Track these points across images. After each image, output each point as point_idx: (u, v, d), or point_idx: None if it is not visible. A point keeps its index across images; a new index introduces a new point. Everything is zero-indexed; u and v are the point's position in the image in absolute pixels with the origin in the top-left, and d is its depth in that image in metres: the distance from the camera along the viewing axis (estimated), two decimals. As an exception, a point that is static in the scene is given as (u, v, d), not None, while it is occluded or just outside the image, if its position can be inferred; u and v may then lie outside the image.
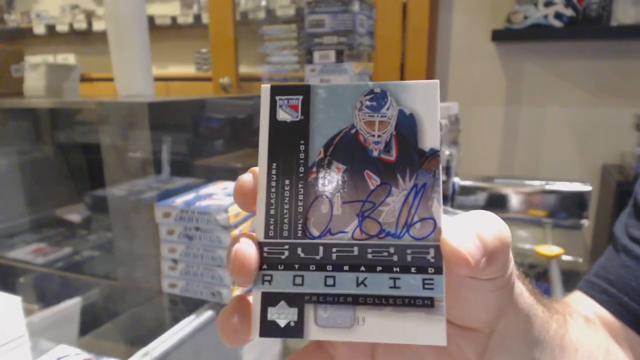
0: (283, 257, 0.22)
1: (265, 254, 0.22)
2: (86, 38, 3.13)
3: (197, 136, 0.94)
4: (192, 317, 0.67)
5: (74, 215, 1.18)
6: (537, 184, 1.12)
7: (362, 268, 0.21)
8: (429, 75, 2.12)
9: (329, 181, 0.22)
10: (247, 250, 0.22)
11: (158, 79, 1.32)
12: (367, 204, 0.21)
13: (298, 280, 0.21)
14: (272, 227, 0.22)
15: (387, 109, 0.22)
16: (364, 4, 1.22)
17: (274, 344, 0.68)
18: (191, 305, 0.70)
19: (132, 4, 1.14)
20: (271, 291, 0.21)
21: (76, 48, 3.23)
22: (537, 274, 0.92)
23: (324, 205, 0.22)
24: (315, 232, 0.21)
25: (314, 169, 0.22)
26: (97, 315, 0.83)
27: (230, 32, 2.31)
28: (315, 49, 1.22)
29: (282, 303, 0.21)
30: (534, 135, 2.11)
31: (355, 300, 0.21)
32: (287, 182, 0.22)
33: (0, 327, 0.53)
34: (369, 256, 0.21)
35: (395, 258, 0.21)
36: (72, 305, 0.74)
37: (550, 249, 0.93)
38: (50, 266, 1.00)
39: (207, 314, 0.68)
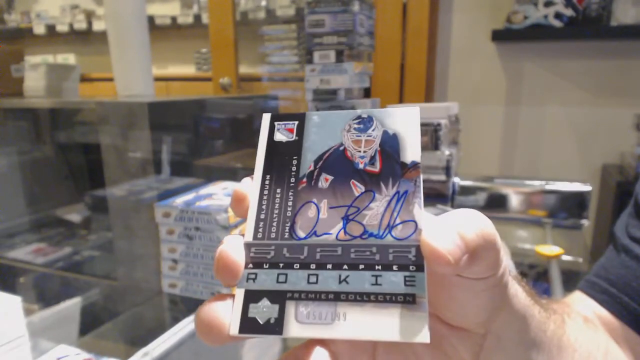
0: (269, 256, 0.22)
1: (252, 254, 0.22)
2: (86, 38, 3.13)
3: (197, 136, 0.94)
4: (192, 317, 0.67)
5: (74, 215, 1.18)
6: (537, 184, 1.11)
7: (345, 266, 0.22)
8: (429, 75, 2.12)
9: (317, 189, 0.24)
10: (231, 251, 0.22)
11: (158, 79, 1.32)
12: (352, 209, 0.23)
13: (282, 278, 0.22)
14: (260, 229, 0.23)
15: (373, 130, 0.24)
16: (364, 4, 1.22)
17: (274, 344, 0.68)
18: (191, 305, 0.70)
19: (132, 4, 1.14)
20: (254, 289, 0.22)
21: (76, 48, 3.23)
22: (537, 274, 0.92)
23: (311, 210, 0.23)
24: (302, 234, 0.23)
25: (304, 180, 0.24)
26: (97, 315, 0.83)
27: (231, 32, 2.31)
28: (315, 49, 1.22)
29: (264, 300, 0.21)
30: (534, 135, 2.11)
31: (337, 297, 0.21)
32: (278, 190, 0.24)
33: (0, 327, 0.53)
34: (352, 255, 0.22)
35: (377, 257, 0.21)
36: (72, 305, 0.74)
37: (550, 249, 0.93)
38: (50, 266, 1.00)
39: (207, 314, 0.68)
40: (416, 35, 2.04)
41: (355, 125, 0.24)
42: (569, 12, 1.87)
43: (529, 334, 0.27)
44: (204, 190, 0.78)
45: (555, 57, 2.02)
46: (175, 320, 0.66)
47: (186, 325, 0.64)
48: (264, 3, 2.52)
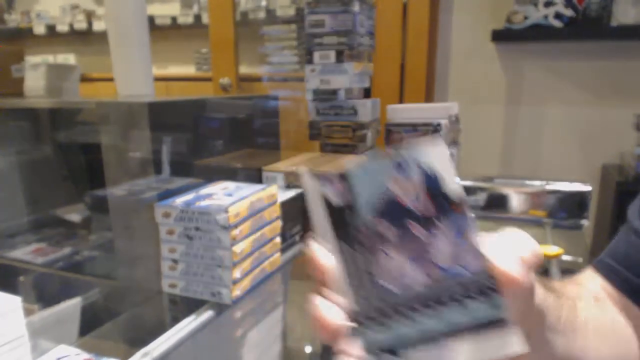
0: (366, 311, 0.24)
1: (349, 313, 0.24)
2: (86, 38, 3.13)
3: (197, 136, 0.94)
4: (192, 317, 0.67)
5: (74, 215, 1.18)
6: (537, 184, 1.11)
7: (436, 306, 0.24)
8: (429, 75, 2.12)
9: (383, 238, 0.25)
10: (328, 314, 0.24)
11: (158, 79, 1.32)
12: (422, 251, 0.24)
13: (385, 330, 0.24)
14: (349, 288, 0.25)
15: (414, 174, 0.26)
16: (364, 4, 1.21)
17: (274, 344, 0.68)
18: (191, 305, 0.70)
19: (133, 4, 1.14)
20: (363, 345, 0.24)
21: (76, 48, 3.23)
22: (537, 274, 0.92)
23: (385, 259, 0.25)
24: (387, 284, 0.24)
25: (367, 232, 0.25)
26: (97, 315, 0.83)
27: (230, 32, 2.31)
28: (315, 49, 1.22)
29: (377, 354, 0.23)
30: (534, 135, 2.11)
31: (441, 336, 0.23)
32: (348, 247, 0.26)
33: (0, 327, 0.53)
34: (439, 294, 0.24)
35: (460, 291, 0.24)
36: (72, 305, 0.74)
37: (550, 249, 0.93)
38: (50, 266, 1.00)
39: (207, 314, 0.68)
40: (416, 36, 2.04)
41: (398, 173, 0.26)
42: (569, 13, 1.87)
43: (546, 322, 0.32)
44: (204, 190, 0.78)
45: (555, 57, 2.02)
46: (175, 320, 0.66)
47: (186, 325, 0.64)
48: (264, 3, 2.52)
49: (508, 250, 0.25)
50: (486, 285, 0.24)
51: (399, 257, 0.24)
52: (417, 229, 0.25)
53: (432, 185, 0.25)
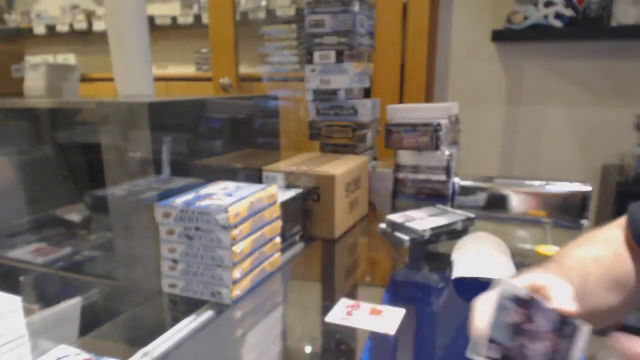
0: None
1: None
2: (86, 38, 3.13)
3: (197, 136, 0.94)
4: (192, 317, 0.67)
5: (74, 215, 1.18)
6: (537, 184, 1.11)
7: (559, 347, 0.43)
8: (429, 75, 2.12)
9: (524, 345, 0.44)
10: None
11: (158, 79, 1.32)
12: (538, 332, 0.43)
13: None
14: None
15: (508, 304, 0.44)
16: (364, 4, 1.22)
17: (274, 344, 0.68)
18: (191, 305, 0.70)
19: (133, 4, 1.14)
20: None
21: (76, 48, 3.24)
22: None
23: (531, 352, 0.43)
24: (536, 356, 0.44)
25: (516, 349, 0.44)
26: (97, 315, 0.83)
27: (230, 32, 2.31)
28: (315, 49, 1.22)
29: None
30: (534, 135, 2.11)
31: (570, 355, 0.43)
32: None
33: (0, 327, 0.53)
34: (556, 341, 0.43)
35: (559, 332, 0.43)
36: (72, 305, 0.74)
37: (550, 249, 0.93)
38: (50, 266, 1.00)
39: (207, 314, 0.68)
40: (416, 36, 2.04)
41: (504, 311, 0.44)
42: (569, 13, 1.87)
43: None
44: (204, 190, 0.78)
45: (555, 57, 2.02)
46: (175, 320, 0.66)
47: (186, 325, 0.64)
48: (264, 3, 2.52)
49: (564, 295, 0.43)
50: (564, 319, 0.43)
51: (535, 346, 0.43)
52: (529, 326, 0.43)
53: (517, 301, 0.44)
